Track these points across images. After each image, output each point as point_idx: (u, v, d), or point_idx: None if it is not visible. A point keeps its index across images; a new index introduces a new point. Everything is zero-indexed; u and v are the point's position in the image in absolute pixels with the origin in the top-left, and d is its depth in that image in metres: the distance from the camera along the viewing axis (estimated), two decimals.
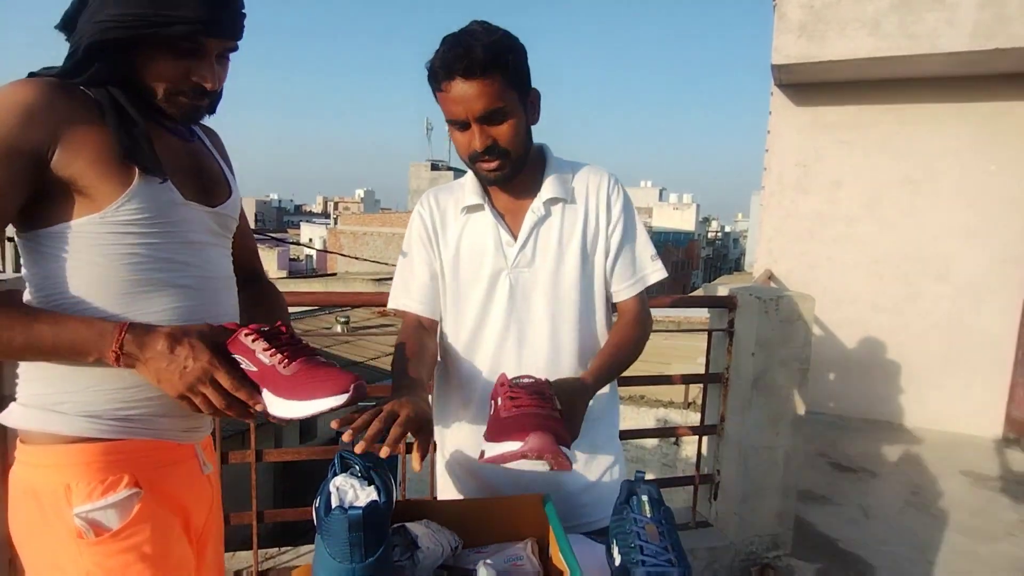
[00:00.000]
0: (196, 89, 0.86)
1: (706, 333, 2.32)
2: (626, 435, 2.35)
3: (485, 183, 1.10)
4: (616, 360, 1.07)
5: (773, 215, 4.26)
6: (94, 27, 0.79)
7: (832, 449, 3.59)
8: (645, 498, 0.85)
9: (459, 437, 1.17)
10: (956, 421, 3.89)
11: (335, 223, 34.69)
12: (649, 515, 0.83)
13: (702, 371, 2.35)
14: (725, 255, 61.88)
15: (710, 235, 61.51)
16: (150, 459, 0.87)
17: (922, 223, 3.91)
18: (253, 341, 0.80)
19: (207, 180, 0.95)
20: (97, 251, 0.81)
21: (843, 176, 4.05)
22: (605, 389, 1.14)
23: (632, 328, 1.12)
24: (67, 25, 0.84)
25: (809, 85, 4.03)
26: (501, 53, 0.97)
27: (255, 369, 0.80)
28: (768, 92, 4.22)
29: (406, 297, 1.16)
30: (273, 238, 23.80)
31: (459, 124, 1.01)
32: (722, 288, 2.34)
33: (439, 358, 1.18)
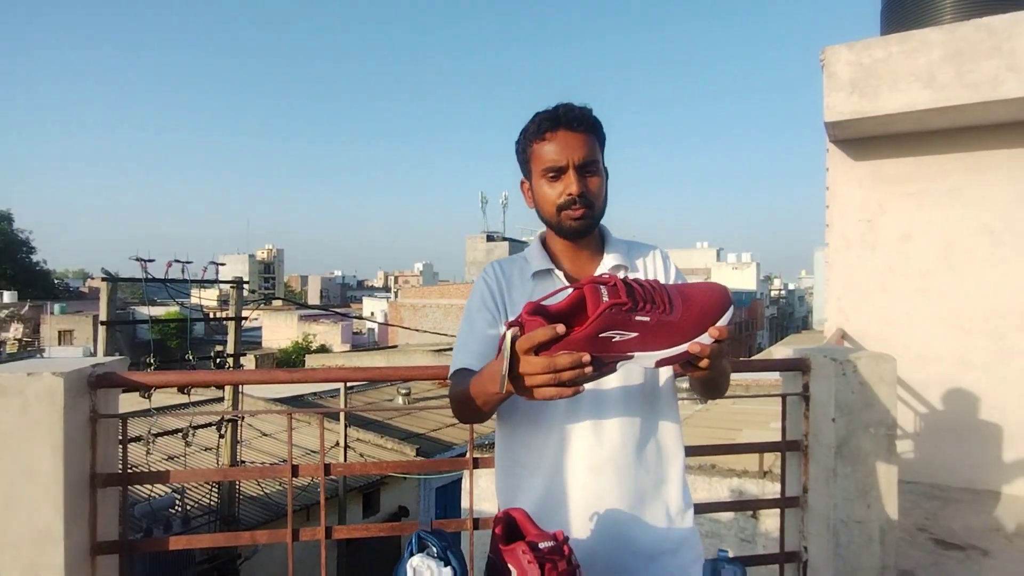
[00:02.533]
0: None
1: (779, 398, 2.22)
2: (700, 508, 2.23)
3: (568, 234, 1.14)
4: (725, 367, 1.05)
5: (840, 272, 4.11)
6: None
7: (933, 523, 3.27)
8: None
9: (523, 500, 1.13)
10: None
11: (395, 296, 35.74)
12: None
13: (775, 437, 2.23)
14: (791, 313, 59.52)
15: (773, 294, 59.53)
16: None
17: (1007, 274, 3.68)
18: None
19: None
20: None
21: (912, 229, 3.90)
22: (676, 456, 1.13)
23: None
24: None
25: (866, 139, 3.96)
26: (596, 122, 1.13)
27: (636, 335, 0.80)
28: (824, 148, 4.17)
29: (465, 354, 1.13)
30: (337, 313, 24.67)
31: (555, 171, 1.10)
32: (789, 349, 2.25)
33: (502, 428, 1.17)
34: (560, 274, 1.17)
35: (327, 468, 1.80)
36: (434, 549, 0.77)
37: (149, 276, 8.87)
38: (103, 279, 8.39)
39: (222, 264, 9.86)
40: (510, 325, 0.82)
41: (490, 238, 35.11)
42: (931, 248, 3.86)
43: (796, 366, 2.15)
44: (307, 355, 26.97)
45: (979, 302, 3.75)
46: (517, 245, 35.50)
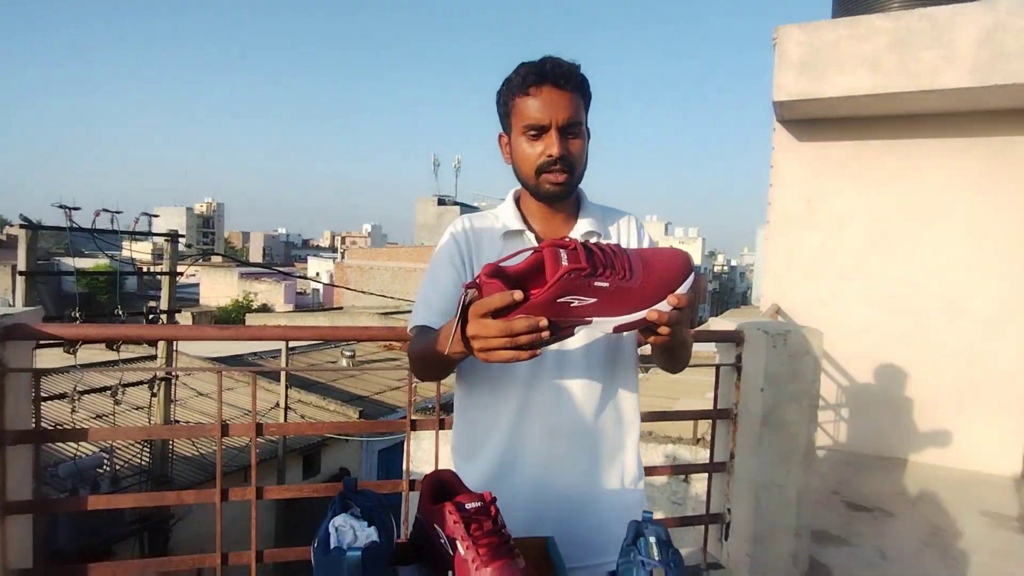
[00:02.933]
0: None
1: (714, 368, 2.29)
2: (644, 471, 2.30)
3: (545, 196, 1.10)
4: (686, 337, 1.06)
5: (779, 249, 4.26)
6: None
7: (846, 487, 3.50)
8: (653, 540, 0.82)
9: (477, 472, 1.12)
10: (973, 458, 3.80)
11: (342, 257, 34.97)
12: (657, 558, 0.80)
13: (710, 406, 2.31)
14: (732, 289, 61.66)
15: (716, 269, 61.48)
16: None
17: (930, 257, 3.89)
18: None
19: None
20: None
21: (848, 211, 4.06)
22: (632, 425, 1.15)
23: None
24: None
25: (812, 121, 4.07)
26: (584, 80, 1.07)
27: (594, 300, 0.79)
28: (771, 128, 4.26)
29: (427, 312, 1.09)
30: (280, 272, 23.94)
31: (537, 130, 1.05)
32: (729, 322, 2.32)
33: (461, 388, 1.16)
34: (531, 236, 1.13)
35: (259, 428, 1.75)
36: (358, 509, 0.75)
37: (74, 225, 8.34)
38: (22, 226, 7.82)
39: (155, 216, 9.36)
40: (468, 287, 0.80)
41: (441, 202, 34.61)
42: (865, 231, 4.04)
43: (730, 338, 2.22)
44: (247, 314, 26.20)
45: (903, 284, 3.96)
46: (469, 210, 35.04)
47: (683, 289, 0.83)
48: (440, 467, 1.12)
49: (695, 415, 2.30)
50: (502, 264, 0.82)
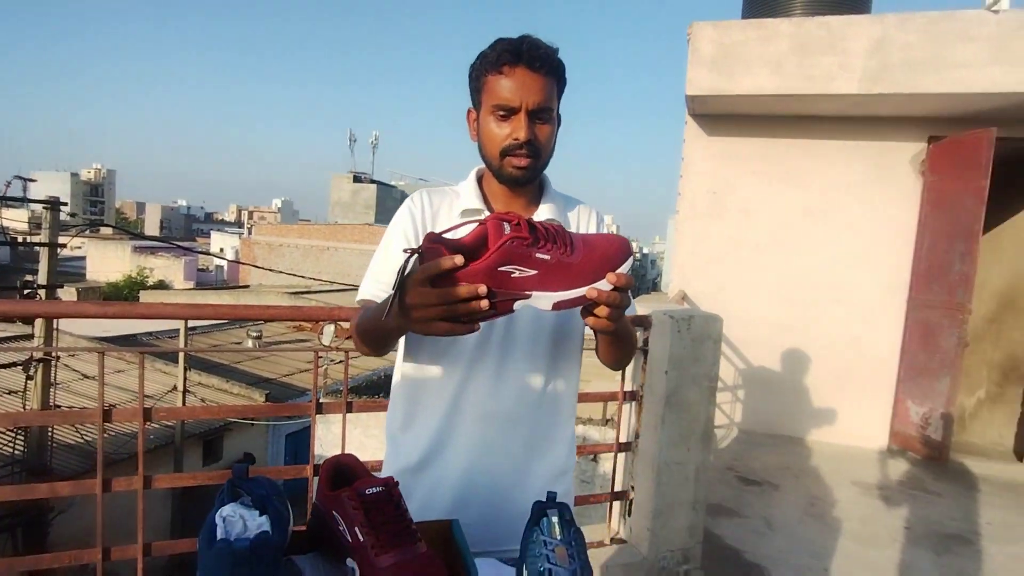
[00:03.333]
0: None
1: None
2: None
3: (508, 180, 1.07)
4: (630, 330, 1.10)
5: (687, 239, 4.45)
6: None
7: (739, 463, 3.75)
8: (555, 519, 0.83)
9: (409, 446, 1.10)
10: (849, 435, 4.18)
11: (249, 233, 33.21)
12: (559, 537, 0.81)
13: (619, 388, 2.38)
14: (643, 276, 64.18)
15: None
16: None
17: (820, 250, 4.20)
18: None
19: None
20: None
21: (751, 204, 4.30)
22: (569, 417, 1.16)
23: None
24: None
25: (721, 116, 4.26)
26: (560, 64, 1.04)
27: (535, 272, 0.78)
28: (683, 120, 4.42)
29: (375, 285, 1.08)
30: (179, 247, 22.37)
31: (506, 111, 1.01)
32: (638, 308, 2.40)
33: (402, 365, 1.13)
34: (488, 216, 1.11)
35: (147, 413, 1.62)
36: (249, 498, 0.70)
37: None
38: None
39: (32, 180, 8.44)
40: (409, 253, 0.78)
41: (357, 179, 33.51)
42: (766, 224, 4.29)
43: (638, 323, 2.29)
44: (142, 291, 24.37)
45: (798, 275, 4.26)
46: (386, 189, 34.31)
47: (623, 270, 0.83)
48: (349, 451, 1.08)
49: (604, 397, 2.37)
50: (445, 235, 0.80)
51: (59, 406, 8.72)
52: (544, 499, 1.08)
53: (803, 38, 3.64)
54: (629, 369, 2.36)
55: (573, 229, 1.15)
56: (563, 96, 1.08)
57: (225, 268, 33.09)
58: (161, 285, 28.29)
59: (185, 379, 10.06)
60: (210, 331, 15.24)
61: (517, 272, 0.77)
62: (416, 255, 0.78)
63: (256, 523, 0.67)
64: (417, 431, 1.08)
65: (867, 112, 3.92)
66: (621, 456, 2.40)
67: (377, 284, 1.08)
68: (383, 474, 1.11)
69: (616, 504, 2.37)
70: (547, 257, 0.78)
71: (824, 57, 3.59)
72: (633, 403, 2.35)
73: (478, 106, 1.07)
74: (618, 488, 2.38)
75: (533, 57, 0.99)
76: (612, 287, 0.81)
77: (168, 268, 31.14)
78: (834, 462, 3.88)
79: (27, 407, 8.08)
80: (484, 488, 1.06)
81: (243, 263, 25.90)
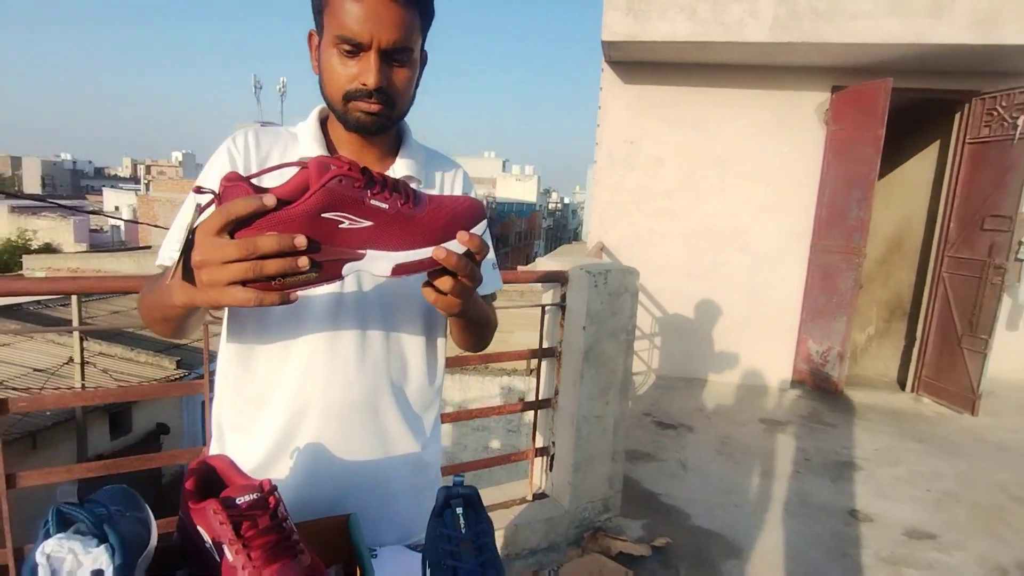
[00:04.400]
0: None
1: (540, 308, 2.32)
2: (471, 413, 2.31)
3: (355, 128, 0.87)
4: (485, 313, 0.94)
5: (604, 188, 4.44)
6: None
7: (656, 408, 3.88)
8: (460, 511, 0.76)
9: (251, 444, 0.93)
10: (756, 375, 4.42)
11: (147, 189, 30.71)
12: (464, 530, 0.75)
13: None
14: (565, 225, 64.99)
15: (551, 206, 64.14)
16: None
17: (728, 198, 4.31)
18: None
19: None
20: None
21: (664, 153, 4.32)
22: (434, 401, 1.01)
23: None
24: None
25: (636, 64, 4.20)
26: None
27: (370, 224, 0.63)
28: (600, 68, 4.34)
29: (173, 247, 0.84)
30: (65, 207, 20.21)
31: (352, 47, 0.81)
32: (555, 262, 2.36)
33: (226, 349, 0.94)
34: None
35: (2, 404, 1.42)
36: (85, 523, 0.59)
37: None
38: None
39: None
40: (198, 193, 0.62)
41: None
42: (676, 172, 4.34)
43: (555, 278, 2.25)
44: (25, 256, 22.14)
45: (705, 222, 4.36)
46: None
47: (476, 232, 0.69)
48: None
49: (522, 355, 2.33)
50: (253, 180, 0.64)
51: None
52: (412, 488, 0.97)
53: None
54: (547, 324, 2.33)
55: (436, 190, 0.99)
56: (430, 30, 0.90)
57: (123, 228, 30.54)
58: (48, 248, 25.81)
59: (83, 350, 9.31)
60: (110, 296, 14.11)
61: (347, 222, 0.63)
62: (213, 200, 0.61)
63: (91, 557, 0.56)
64: (251, 430, 0.92)
65: (775, 61, 3.97)
66: (540, 413, 2.39)
67: (177, 247, 0.86)
68: None
69: (538, 460, 2.37)
70: (384, 206, 0.64)
71: (736, 4, 3.58)
72: (551, 359, 2.33)
73: (320, 30, 0.86)
74: (539, 445, 2.38)
75: None
76: (464, 249, 0.68)
77: (55, 230, 28.35)
78: (743, 401, 4.10)
79: None
80: (339, 494, 0.92)
81: (142, 223, 23.94)
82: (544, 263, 2.40)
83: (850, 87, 3.93)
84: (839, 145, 4.03)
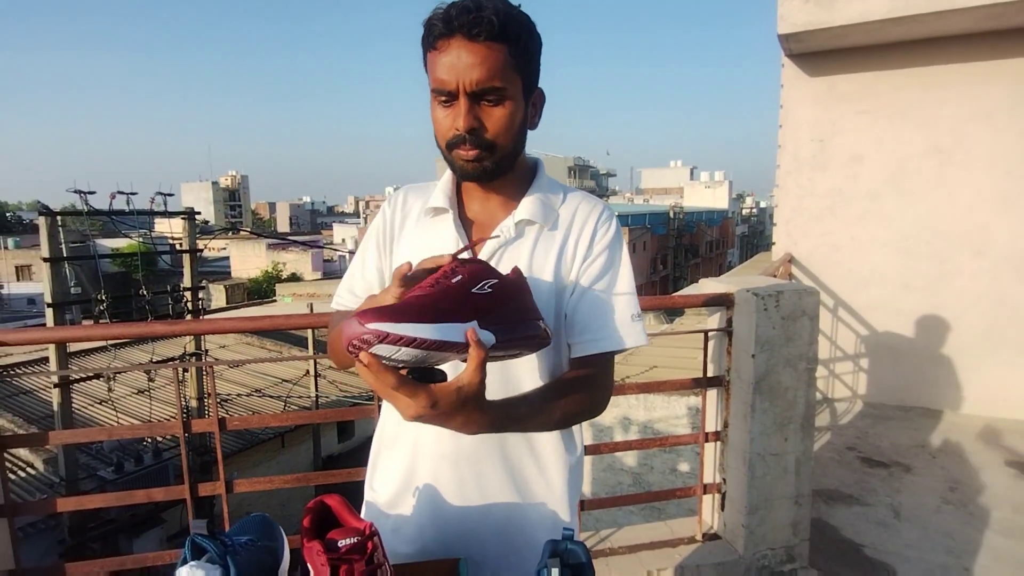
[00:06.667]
0: None
1: (702, 334, 2.17)
2: (623, 446, 2.23)
3: (461, 177, 0.92)
4: (537, 403, 0.85)
5: (790, 195, 4.02)
6: None
7: (862, 442, 3.37)
8: (556, 571, 0.73)
9: (387, 478, 1.00)
10: (1000, 406, 3.62)
11: (365, 222, 35.14)
12: None
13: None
14: (762, 231, 60.13)
15: (745, 212, 59.87)
16: None
17: (953, 194, 3.62)
18: None
19: None
20: None
21: (863, 149, 3.79)
22: (567, 445, 0.98)
23: (577, 387, 0.89)
24: None
25: (821, 53, 3.76)
26: (514, 25, 0.81)
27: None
28: (779, 64, 3.97)
29: (343, 293, 1.02)
30: (297, 243, 24.01)
31: (445, 96, 0.83)
32: (721, 284, 2.18)
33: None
34: (451, 216, 0.93)
35: (222, 423, 1.71)
36: (213, 553, 0.68)
37: (90, 208, 8.49)
38: (40, 213, 7.96)
39: (170, 195, 9.43)
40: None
41: None
42: (880, 169, 3.77)
43: (720, 302, 2.08)
44: (277, 284, 26.67)
45: (924, 224, 3.71)
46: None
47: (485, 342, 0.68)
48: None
49: (684, 384, 2.18)
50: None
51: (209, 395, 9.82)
52: (539, 531, 0.93)
53: None
54: (712, 349, 2.16)
55: (563, 230, 0.95)
56: (534, 62, 0.86)
57: (347, 257, 35.34)
58: (293, 277, 30.79)
59: (315, 363, 10.91)
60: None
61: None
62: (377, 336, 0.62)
63: None
64: (385, 481, 0.99)
65: (1004, 24, 3.27)
66: (707, 447, 2.21)
67: (346, 293, 1.02)
68: (364, 511, 1.03)
69: (707, 498, 2.20)
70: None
71: None
72: (719, 389, 2.15)
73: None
74: (707, 480, 2.21)
75: (467, 22, 0.78)
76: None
77: (298, 261, 33.79)
78: (982, 439, 3.37)
79: (186, 398, 9.17)
80: (454, 535, 0.93)
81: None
82: (709, 286, 2.25)
83: None
84: None
